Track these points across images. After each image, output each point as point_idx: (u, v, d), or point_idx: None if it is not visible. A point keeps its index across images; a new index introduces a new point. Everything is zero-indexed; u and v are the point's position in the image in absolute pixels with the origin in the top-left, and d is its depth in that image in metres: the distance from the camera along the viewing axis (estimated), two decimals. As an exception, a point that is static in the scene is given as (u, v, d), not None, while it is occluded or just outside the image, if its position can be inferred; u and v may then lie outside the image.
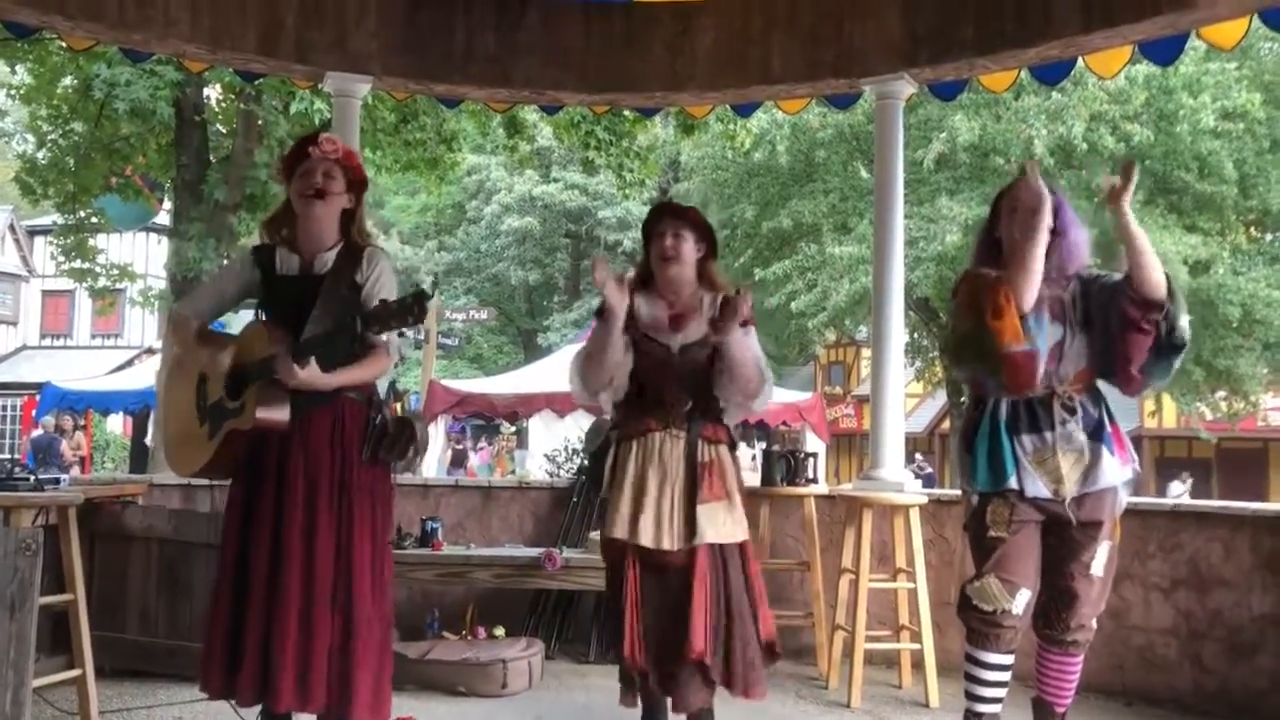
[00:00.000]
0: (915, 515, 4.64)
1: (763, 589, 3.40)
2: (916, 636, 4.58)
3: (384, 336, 3.05)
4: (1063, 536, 3.25)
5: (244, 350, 3.14)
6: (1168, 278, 3.09)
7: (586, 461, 5.64)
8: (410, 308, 2.84)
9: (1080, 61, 4.75)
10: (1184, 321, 3.11)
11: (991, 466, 3.23)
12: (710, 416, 3.38)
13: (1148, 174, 17.16)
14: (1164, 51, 4.66)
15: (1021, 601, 3.19)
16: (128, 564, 4.57)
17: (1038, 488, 3.18)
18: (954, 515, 5.09)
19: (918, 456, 23.91)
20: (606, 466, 3.38)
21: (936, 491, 5.41)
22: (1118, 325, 3.14)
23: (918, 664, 4.61)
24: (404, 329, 2.95)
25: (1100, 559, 3.24)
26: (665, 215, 3.46)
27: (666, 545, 3.23)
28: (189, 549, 4.57)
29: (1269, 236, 19.03)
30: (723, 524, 3.27)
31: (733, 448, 3.45)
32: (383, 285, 3.17)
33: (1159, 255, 3.13)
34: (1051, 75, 5.03)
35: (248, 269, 3.31)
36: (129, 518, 4.61)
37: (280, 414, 3.04)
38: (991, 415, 3.26)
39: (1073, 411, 3.19)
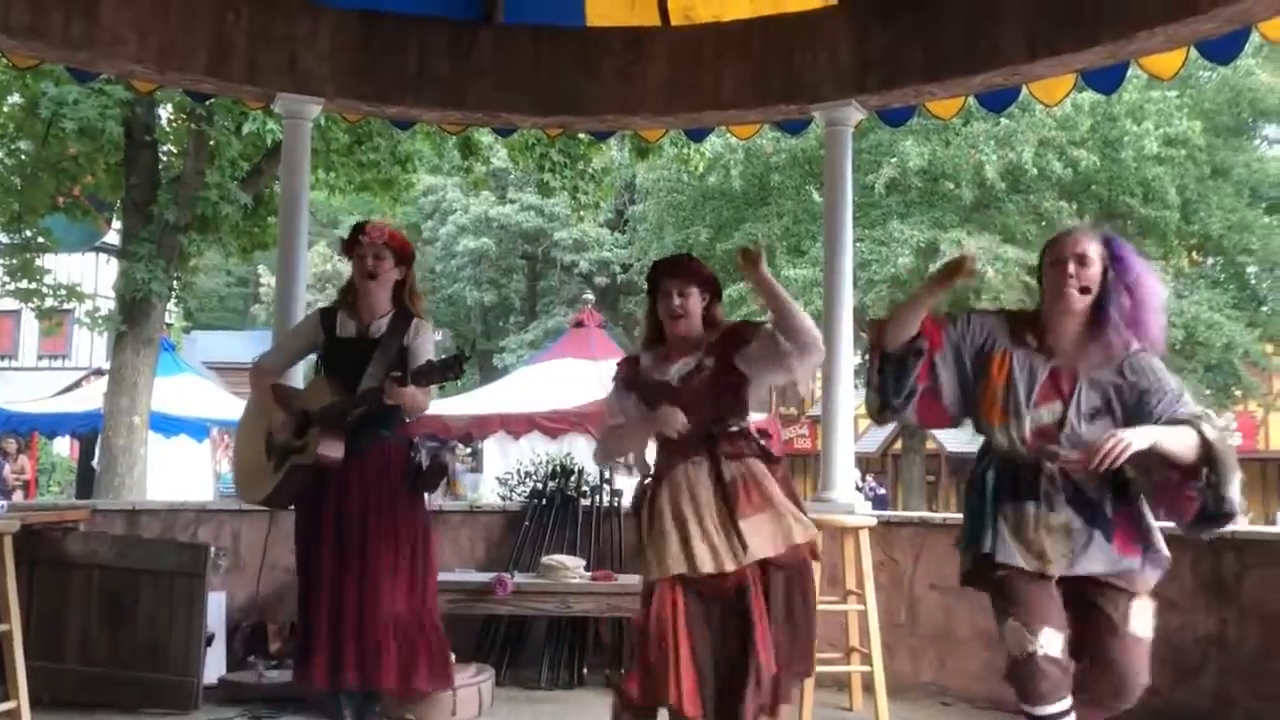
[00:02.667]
0: (865, 537, 4.66)
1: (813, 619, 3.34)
2: (867, 659, 4.59)
3: (464, 367, 3.65)
4: (1091, 604, 2.90)
5: (308, 400, 3.82)
6: (1205, 442, 2.73)
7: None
8: (451, 366, 3.48)
9: (1025, 89, 4.85)
10: (1233, 491, 2.75)
11: (972, 525, 3.01)
12: (728, 435, 3.31)
13: (1094, 199, 17.51)
14: (1106, 80, 4.78)
15: (1049, 641, 2.79)
16: (68, 592, 4.47)
17: (1012, 556, 2.86)
18: (903, 537, 5.13)
19: (868, 478, 24.05)
20: (643, 515, 3.32)
21: (886, 513, 5.45)
22: (1158, 477, 2.83)
23: (868, 686, 4.62)
24: (446, 381, 3.69)
25: (1136, 616, 2.85)
26: (670, 273, 3.41)
27: (730, 566, 3.13)
28: (133, 576, 4.50)
29: (1210, 260, 19.47)
30: (771, 534, 3.19)
31: (766, 459, 3.34)
32: (424, 348, 3.84)
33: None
34: (997, 102, 5.13)
35: (315, 329, 4.01)
36: (70, 544, 4.53)
37: (336, 451, 3.67)
38: (984, 473, 3.02)
39: (1059, 488, 2.87)
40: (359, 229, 3.91)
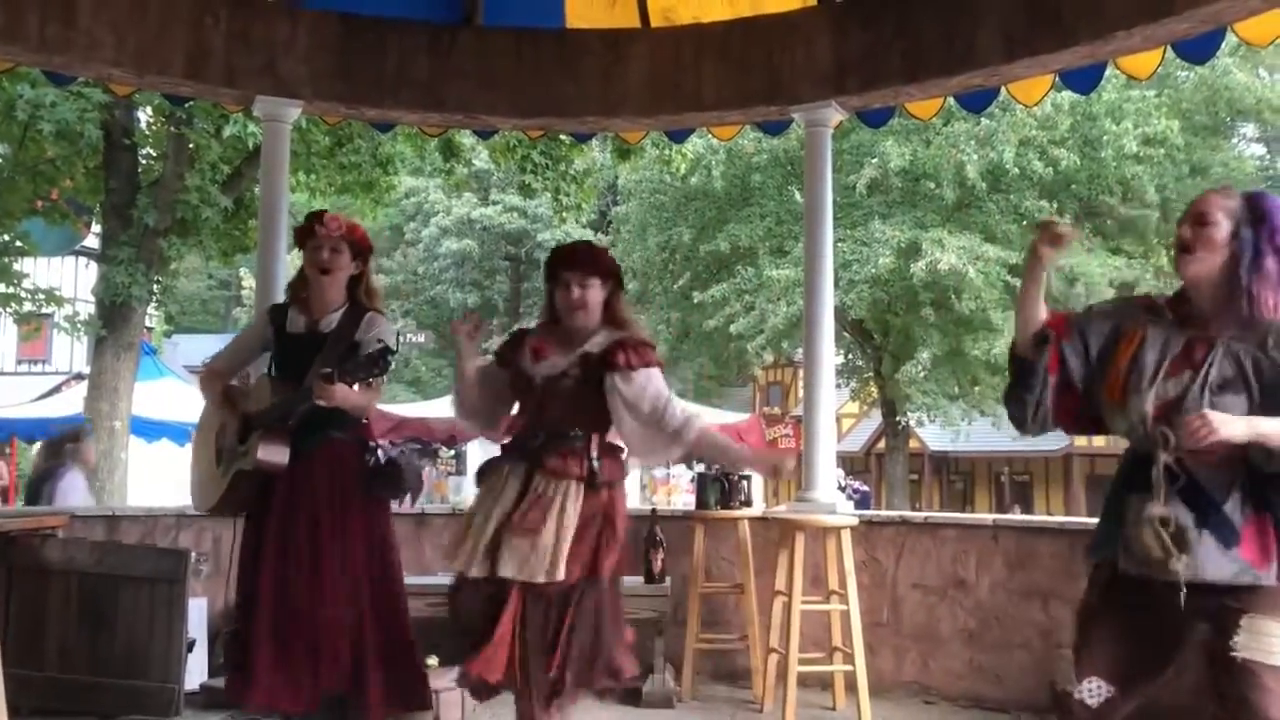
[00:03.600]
0: (847, 537, 4.67)
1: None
2: (849, 658, 4.61)
3: (391, 361, 3.45)
4: (1208, 618, 2.51)
5: (254, 401, 3.61)
6: None
7: None
8: (377, 360, 3.30)
9: (1004, 90, 4.87)
10: None
11: (1099, 529, 2.73)
12: (561, 449, 3.17)
13: (1074, 198, 17.60)
14: (1083, 80, 4.80)
15: (1092, 691, 2.59)
16: (47, 598, 4.44)
17: (1130, 561, 2.55)
18: (885, 536, 5.15)
19: (850, 478, 24.09)
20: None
21: (868, 513, 5.46)
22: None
23: (851, 685, 4.64)
24: (370, 379, 3.39)
25: (1259, 640, 2.42)
26: (570, 264, 3.30)
27: (475, 572, 3.11)
28: (113, 582, 4.47)
29: (1190, 259, 19.57)
30: (524, 560, 3.07)
31: (590, 483, 3.17)
32: (377, 343, 3.51)
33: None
34: (976, 103, 5.14)
35: (264, 326, 3.82)
36: (48, 550, 4.49)
37: (279, 456, 3.45)
38: (1121, 473, 2.71)
39: (1174, 479, 2.49)
40: (315, 218, 3.69)
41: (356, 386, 3.43)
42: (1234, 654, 2.41)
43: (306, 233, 3.68)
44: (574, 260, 3.30)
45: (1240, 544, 2.44)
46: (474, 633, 3.13)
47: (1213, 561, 2.44)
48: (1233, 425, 2.39)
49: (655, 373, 3.22)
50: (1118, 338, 2.69)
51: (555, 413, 3.20)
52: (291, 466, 3.47)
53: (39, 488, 7.29)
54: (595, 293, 3.27)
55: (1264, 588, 2.43)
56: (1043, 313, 2.78)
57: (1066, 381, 2.75)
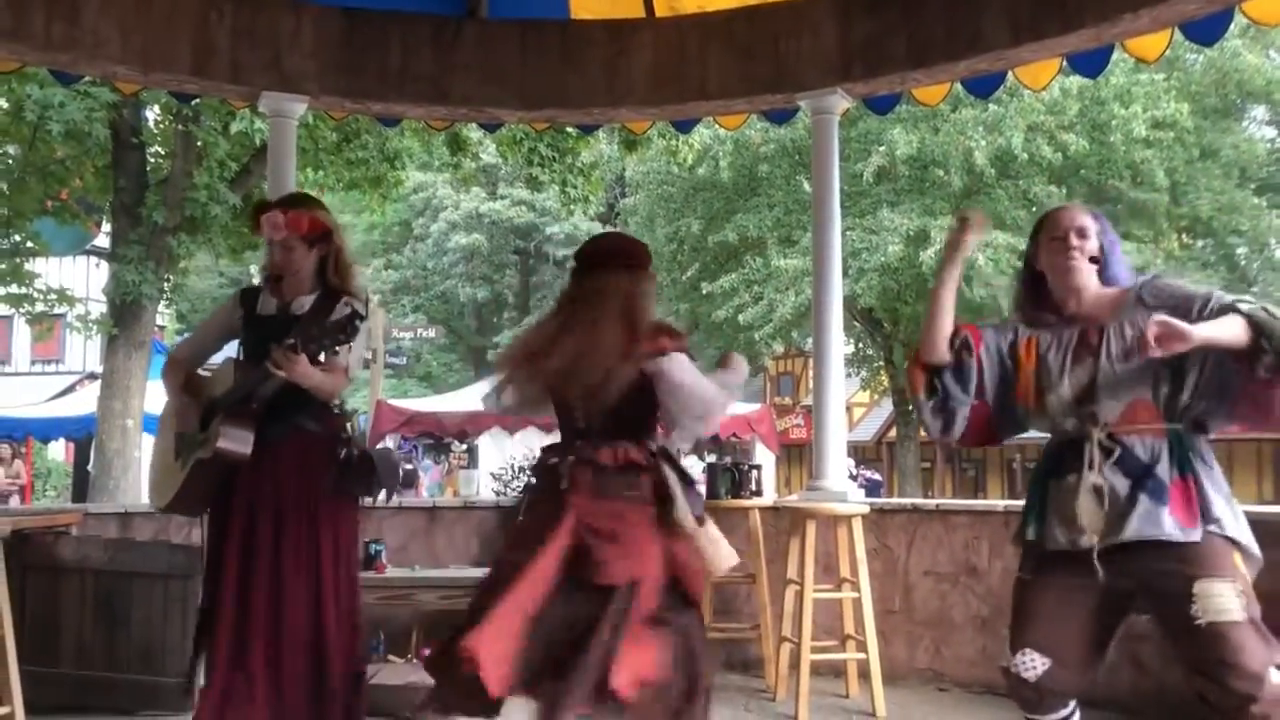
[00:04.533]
0: (858, 525, 4.67)
1: None
2: (862, 646, 4.61)
3: (342, 360, 3.22)
4: (1154, 603, 2.66)
5: (215, 385, 3.31)
6: (1248, 317, 2.57)
7: None
8: (343, 326, 3.00)
9: (1011, 74, 4.84)
10: None
11: (1023, 515, 2.88)
12: (607, 441, 2.99)
13: (1083, 183, 17.52)
14: (1091, 63, 4.76)
15: (1028, 665, 2.70)
16: (61, 596, 4.48)
17: (1058, 542, 2.70)
18: (896, 524, 5.15)
19: (861, 467, 24.07)
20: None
21: (879, 501, 5.46)
22: (1238, 381, 2.62)
23: (864, 673, 4.64)
24: (337, 347, 3.06)
25: (1215, 601, 2.49)
26: (594, 261, 3.16)
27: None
28: (127, 579, 4.50)
29: (1200, 242, 19.49)
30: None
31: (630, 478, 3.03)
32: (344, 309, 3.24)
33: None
34: (983, 88, 5.11)
35: (233, 309, 3.51)
36: (62, 548, 4.52)
37: (241, 445, 3.13)
38: (1042, 459, 2.89)
39: (1110, 453, 2.68)
40: (259, 211, 3.43)
41: (323, 356, 3.14)
42: (1197, 622, 2.48)
43: (255, 228, 3.43)
44: (594, 255, 3.20)
45: (1169, 503, 2.60)
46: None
47: (1148, 521, 2.59)
48: (1187, 328, 2.49)
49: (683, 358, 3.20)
50: (1016, 348, 2.89)
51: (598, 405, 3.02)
52: (256, 458, 3.17)
53: None
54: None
55: (1199, 551, 2.56)
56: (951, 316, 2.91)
57: (980, 390, 2.90)
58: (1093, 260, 2.82)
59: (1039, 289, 2.93)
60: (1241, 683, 2.43)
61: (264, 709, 3.15)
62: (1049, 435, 2.88)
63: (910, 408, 19.50)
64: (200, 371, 3.56)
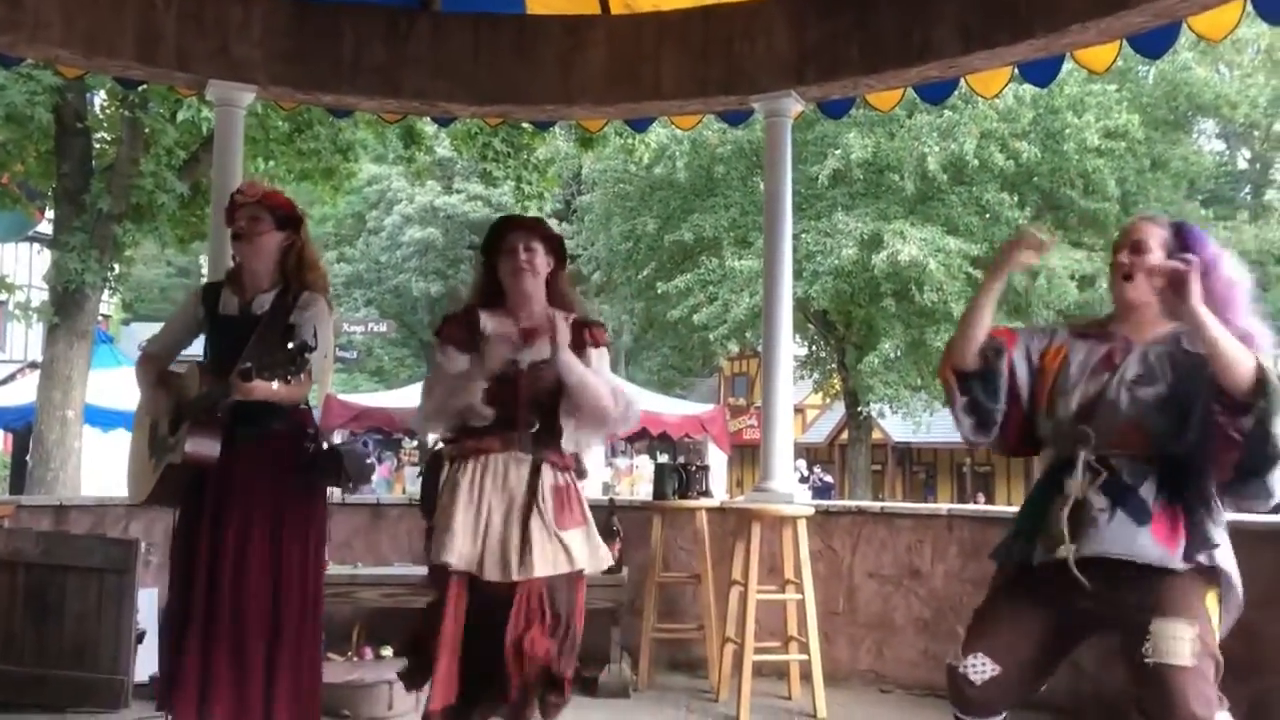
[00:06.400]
0: (803, 526, 4.68)
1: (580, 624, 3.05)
2: (805, 647, 4.62)
3: (310, 358, 3.15)
4: (1113, 630, 2.61)
5: (185, 387, 3.36)
6: (1261, 369, 2.42)
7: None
8: (293, 358, 3.01)
9: (963, 82, 4.88)
10: (1278, 426, 2.43)
11: (1010, 534, 2.80)
12: (558, 440, 3.06)
13: (1035, 191, 17.75)
14: (1041, 73, 4.81)
15: (977, 669, 2.65)
16: (-8, 590, 4.37)
17: (1036, 555, 2.65)
18: (841, 526, 5.17)
19: (816, 468, 24.22)
20: (441, 487, 3.07)
21: (824, 503, 5.48)
22: (1208, 428, 2.51)
23: (806, 675, 4.65)
24: (289, 376, 3.06)
25: (1167, 643, 2.42)
26: (513, 228, 3.16)
27: (517, 576, 2.90)
28: (60, 573, 4.41)
29: (1148, 253, 19.80)
30: (587, 550, 3.02)
31: (580, 475, 3.15)
32: (310, 325, 3.30)
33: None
34: (935, 94, 5.14)
35: (195, 307, 3.54)
36: (-7, 541, 4.42)
37: (208, 449, 3.20)
38: (1039, 480, 2.83)
39: (1096, 474, 2.60)
40: (234, 192, 3.49)
41: (275, 385, 3.13)
42: (1146, 660, 2.43)
43: (231, 209, 3.46)
44: (512, 223, 3.20)
45: (1151, 524, 2.52)
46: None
47: (1124, 537, 2.52)
48: (1194, 289, 2.41)
49: (606, 354, 3.22)
50: (1045, 352, 2.79)
51: (543, 399, 3.02)
52: (225, 460, 3.24)
53: None
54: (540, 259, 3.11)
55: (1168, 586, 2.48)
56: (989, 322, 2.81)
57: (1015, 395, 2.78)
58: (1126, 277, 2.66)
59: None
60: None
61: (228, 701, 3.19)
62: (1050, 454, 2.80)
63: (860, 410, 19.66)
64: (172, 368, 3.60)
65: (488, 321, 3.09)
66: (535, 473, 3.00)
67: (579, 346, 3.06)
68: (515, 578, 2.91)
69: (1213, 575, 2.53)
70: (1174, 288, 2.44)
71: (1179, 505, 2.56)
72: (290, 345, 3.04)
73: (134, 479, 3.56)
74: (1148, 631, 2.44)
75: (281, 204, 3.46)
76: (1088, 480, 2.59)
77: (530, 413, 3.03)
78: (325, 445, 3.42)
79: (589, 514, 3.11)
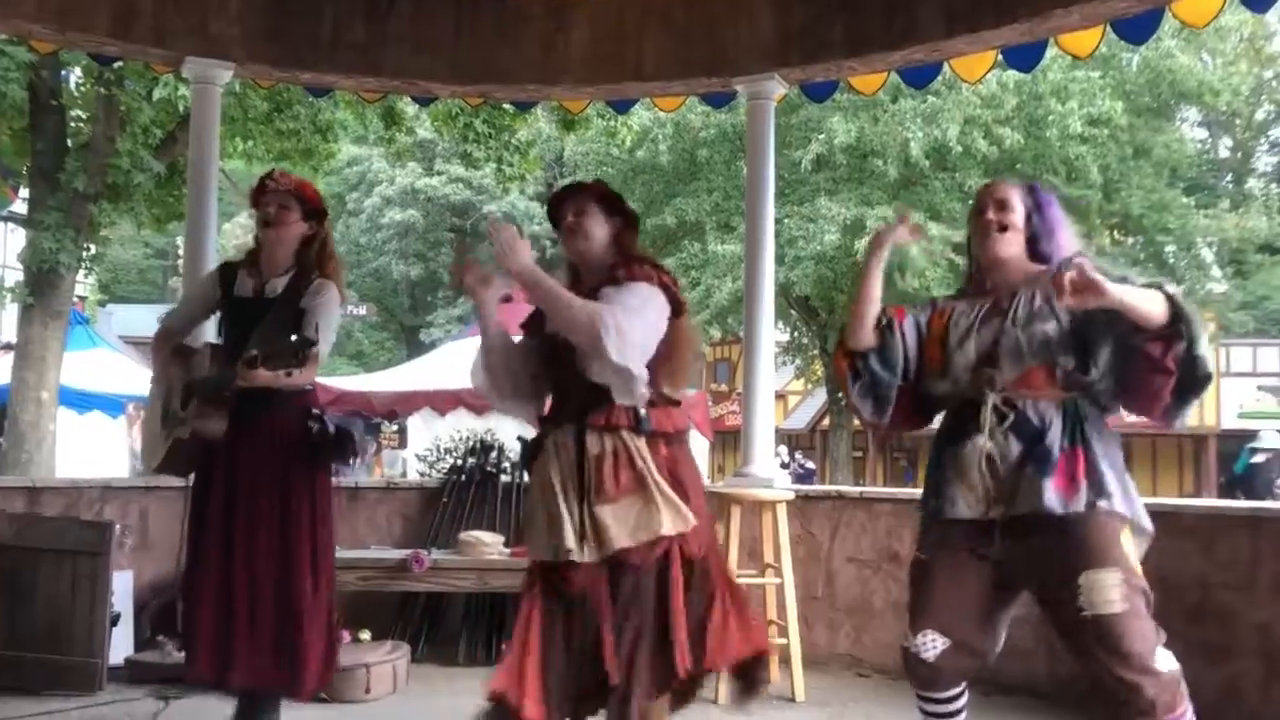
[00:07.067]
0: (782, 511, 4.68)
1: (684, 608, 2.74)
2: (784, 631, 4.62)
3: (312, 353, 3.28)
4: (1040, 589, 2.69)
5: (197, 367, 3.53)
6: (1170, 299, 2.55)
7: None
8: (296, 351, 3.15)
9: (947, 66, 4.86)
10: (1204, 348, 2.57)
11: (924, 490, 2.86)
12: (603, 402, 2.77)
13: (1018, 177, 17.75)
14: (1024, 58, 4.79)
15: (928, 645, 2.70)
16: (-39, 572, 4.32)
17: (958, 508, 2.71)
18: (821, 511, 5.17)
19: (798, 455, 24.28)
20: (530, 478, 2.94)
21: (804, 487, 5.48)
22: (1137, 364, 2.60)
23: (785, 659, 4.65)
24: (290, 369, 3.19)
25: (1100, 593, 2.52)
26: (565, 196, 3.03)
27: (578, 558, 2.70)
28: (33, 555, 4.36)
29: (1130, 240, 19.89)
30: (635, 521, 2.70)
31: (644, 432, 2.78)
32: (318, 314, 3.44)
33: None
34: (919, 78, 5.13)
35: (212, 285, 3.69)
36: (-36, 523, 4.36)
37: (215, 426, 3.38)
38: (940, 426, 2.89)
39: (1004, 417, 2.68)
40: (265, 176, 3.60)
41: (279, 374, 3.24)
42: (1084, 614, 2.53)
43: (257, 190, 3.57)
44: (564, 191, 3.05)
45: (1053, 474, 2.62)
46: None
47: (1030, 492, 2.62)
48: (1104, 281, 2.43)
49: (646, 289, 2.82)
50: (930, 319, 2.91)
51: (579, 365, 2.79)
52: (234, 435, 3.40)
53: None
54: (592, 220, 2.94)
55: (1084, 532, 2.58)
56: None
57: (905, 372, 2.90)
58: (1002, 229, 2.81)
59: (974, 269, 2.95)
60: (1129, 672, 2.49)
61: (245, 663, 3.38)
62: (944, 402, 2.89)
63: (842, 396, 19.71)
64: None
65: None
66: (580, 445, 2.78)
67: (603, 284, 2.82)
68: (587, 559, 2.71)
69: (1119, 514, 2.63)
70: (1086, 289, 2.43)
71: (1079, 447, 2.65)
72: (294, 338, 3.18)
73: (147, 448, 3.84)
74: (1077, 586, 2.54)
75: (311, 196, 3.61)
76: (995, 421, 2.69)
77: (577, 382, 2.80)
78: (330, 425, 3.55)
79: (649, 476, 2.74)
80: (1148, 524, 2.70)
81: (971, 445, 2.70)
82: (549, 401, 2.98)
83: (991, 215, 2.82)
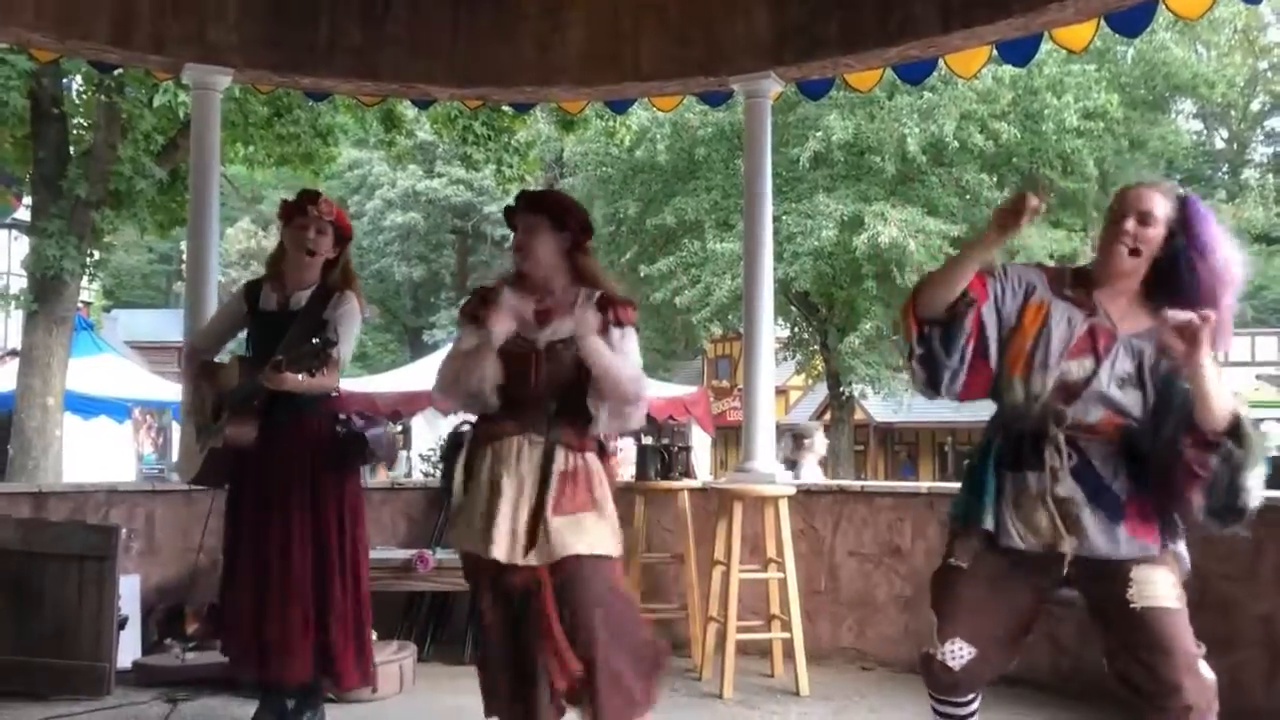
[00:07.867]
0: (784, 506, 4.70)
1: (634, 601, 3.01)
2: (787, 626, 4.65)
3: (334, 353, 3.43)
4: (1088, 585, 2.64)
5: (227, 377, 3.71)
6: (1238, 416, 2.46)
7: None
8: (319, 353, 3.31)
9: (942, 62, 4.89)
10: (1252, 480, 2.45)
11: (969, 499, 2.74)
12: (577, 422, 2.96)
13: (1015, 171, 17.79)
14: (1019, 52, 4.81)
15: (955, 654, 2.64)
16: (-32, 577, 4.34)
17: (1011, 538, 2.61)
18: (822, 505, 5.19)
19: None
20: (458, 470, 3.01)
21: (806, 482, 5.50)
22: (1172, 456, 2.51)
23: (789, 653, 4.68)
24: (314, 370, 3.35)
25: (1152, 587, 2.50)
26: (518, 208, 3.08)
27: (519, 560, 2.85)
28: (40, 560, 4.37)
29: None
30: (593, 534, 2.89)
31: (603, 455, 3.05)
32: (340, 322, 3.63)
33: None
34: (914, 74, 5.15)
35: (239, 303, 3.87)
36: (-29, 529, 4.39)
37: (246, 433, 3.56)
38: (989, 444, 2.75)
39: (1065, 457, 2.59)
40: (309, 198, 3.72)
41: (302, 377, 3.40)
42: (1132, 605, 2.49)
43: (296, 210, 3.71)
44: (518, 201, 3.11)
45: (1125, 519, 2.56)
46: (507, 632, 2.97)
47: (1103, 537, 2.55)
48: (1204, 344, 2.37)
49: (634, 336, 3.08)
50: (1025, 307, 2.68)
51: (560, 379, 2.95)
52: (265, 442, 3.57)
53: None
54: (540, 238, 3.01)
55: (1154, 558, 2.55)
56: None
57: (982, 352, 2.69)
58: (1133, 253, 2.58)
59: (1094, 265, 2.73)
60: (1171, 671, 2.42)
61: (284, 657, 3.56)
62: (1002, 415, 2.75)
63: (842, 391, 19.72)
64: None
65: (510, 299, 3.00)
66: (548, 457, 2.92)
67: (603, 326, 2.97)
68: (518, 561, 2.85)
69: (1178, 553, 2.61)
70: (1184, 337, 2.37)
71: (1146, 493, 2.59)
72: (314, 340, 3.32)
73: (184, 461, 4.15)
74: (1129, 579, 2.51)
75: (345, 226, 3.84)
76: (1058, 461, 2.58)
77: (547, 394, 2.96)
78: (358, 426, 3.71)
79: (602, 497, 2.96)
80: (1187, 563, 2.66)
81: (1033, 481, 2.60)
82: (496, 403, 3.00)
83: (1130, 227, 2.58)
